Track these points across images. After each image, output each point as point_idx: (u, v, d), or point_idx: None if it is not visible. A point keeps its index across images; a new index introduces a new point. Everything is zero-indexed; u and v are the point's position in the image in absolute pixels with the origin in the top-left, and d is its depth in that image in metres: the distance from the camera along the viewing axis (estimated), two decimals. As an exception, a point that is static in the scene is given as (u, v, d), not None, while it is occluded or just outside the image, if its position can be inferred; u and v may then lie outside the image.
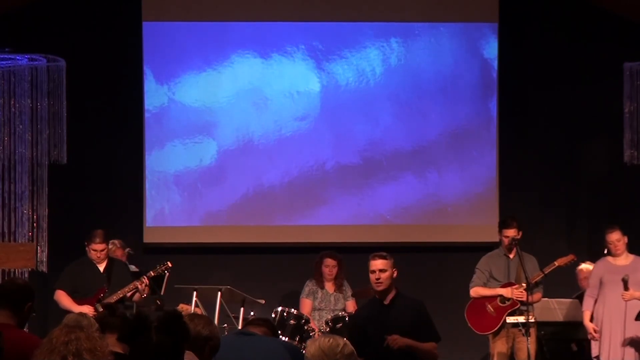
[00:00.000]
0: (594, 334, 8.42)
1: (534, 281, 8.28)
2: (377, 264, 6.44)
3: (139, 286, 8.12)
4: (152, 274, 8.27)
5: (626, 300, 8.30)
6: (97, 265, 8.32)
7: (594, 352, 8.49)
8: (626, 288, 8.27)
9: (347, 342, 3.91)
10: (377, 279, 6.41)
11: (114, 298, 8.07)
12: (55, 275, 9.66)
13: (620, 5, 10.69)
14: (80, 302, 8.16)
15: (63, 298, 8.26)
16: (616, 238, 8.47)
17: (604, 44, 10.70)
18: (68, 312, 7.75)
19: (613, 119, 10.19)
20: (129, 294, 8.17)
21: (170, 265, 8.37)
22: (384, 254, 6.50)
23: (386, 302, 6.47)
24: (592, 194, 10.88)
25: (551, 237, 10.60)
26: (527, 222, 9.48)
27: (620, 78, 9.81)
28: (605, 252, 8.61)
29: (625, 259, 8.49)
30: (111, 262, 8.41)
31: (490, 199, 10.71)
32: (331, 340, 3.83)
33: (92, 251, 8.29)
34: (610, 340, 8.37)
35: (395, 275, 6.47)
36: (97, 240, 8.26)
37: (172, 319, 3.62)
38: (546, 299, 9.04)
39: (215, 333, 4.25)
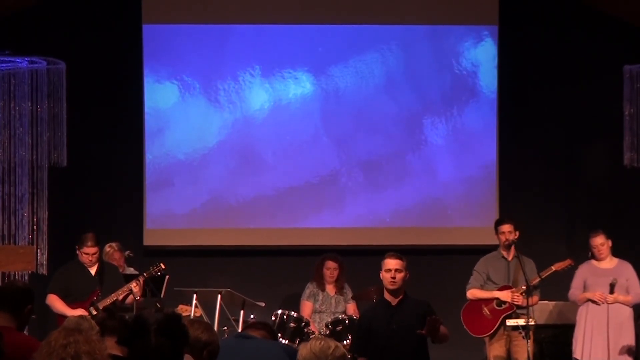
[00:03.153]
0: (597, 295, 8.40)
1: (531, 284, 8.27)
2: (393, 263, 6.46)
3: (133, 289, 8.11)
4: (146, 276, 8.26)
5: (609, 303, 8.32)
6: (89, 269, 8.31)
7: (576, 354, 8.49)
8: (612, 292, 8.30)
9: (339, 344, 3.92)
10: (393, 278, 6.43)
11: (107, 301, 8.06)
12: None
13: (620, 9, 10.70)
14: (73, 305, 8.14)
15: (56, 302, 8.25)
16: (600, 242, 8.50)
17: (603, 46, 10.70)
18: (62, 316, 7.79)
19: (613, 122, 10.18)
20: (121, 297, 8.15)
21: (163, 266, 8.35)
22: (400, 255, 6.53)
23: (394, 303, 6.48)
24: (592, 196, 10.88)
25: (551, 239, 10.60)
26: (527, 225, 9.47)
27: (620, 81, 9.82)
28: (589, 255, 8.64)
29: (609, 263, 8.54)
30: (102, 265, 8.39)
31: (490, 202, 10.71)
32: (322, 342, 3.84)
33: (83, 255, 8.27)
34: (592, 342, 8.38)
35: (407, 277, 6.49)
36: (89, 243, 8.25)
37: (172, 321, 3.62)
38: (545, 301, 9.05)
39: (214, 339, 4.25)
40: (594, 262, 8.58)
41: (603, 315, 8.35)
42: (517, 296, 8.24)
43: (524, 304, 8.19)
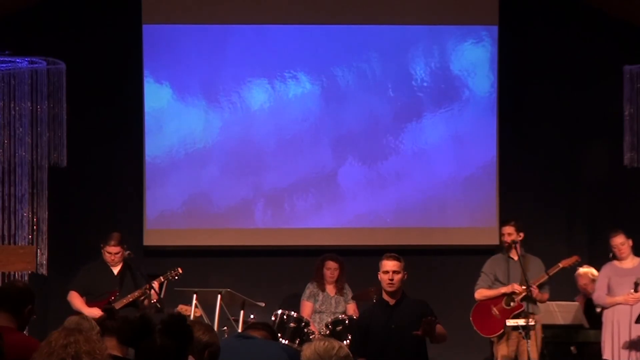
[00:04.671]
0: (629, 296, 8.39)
1: (537, 283, 8.29)
2: (391, 264, 6.46)
3: (148, 291, 8.14)
4: (162, 279, 8.30)
5: (631, 304, 8.32)
6: (112, 268, 8.34)
7: (606, 354, 8.49)
8: (636, 290, 8.30)
9: (343, 345, 3.92)
10: (390, 280, 6.43)
11: (123, 302, 8.10)
12: (55, 277, 9.69)
13: (620, 9, 10.70)
14: (91, 304, 8.18)
15: (75, 299, 8.31)
16: (620, 242, 8.50)
17: (603, 46, 10.71)
18: (77, 312, 7.86)
19: (613, 122, 10.19)
20: (141, 298, 8.16)
21: (180, 271, 8.39)
22: (397, 255, 6.53)
23: (392, 303, 6.48)
24: (592, 196, 10.88)
25: (551, 239, 10.59)
26: (527, 225, 9.45)
27: (620, 81, 9.82)
28: (611, 256, 8.62)
29: (631, 262, 8.53)
30: (126, 265, 8.41)
31: (489, 202, 10.70)
32: (326, 343, 3.84)
33: (106, 254, 8.37)
34: (619, 342, 8.39)
35: (405, 278, 6.50)
36: (112, 242, 8.32)
37: (176, 322, 3.62)
38: (547, 301, 9.04)
39: (215, 340, 4.27)
40: (615, 262, 8.58)
41: (626, 314, 8.36)
42: (523, 288, 8.26)
43: (536, 296, 8.20)
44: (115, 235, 8.39)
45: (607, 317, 8.50)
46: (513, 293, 8.36)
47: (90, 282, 8.35)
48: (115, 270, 8.37)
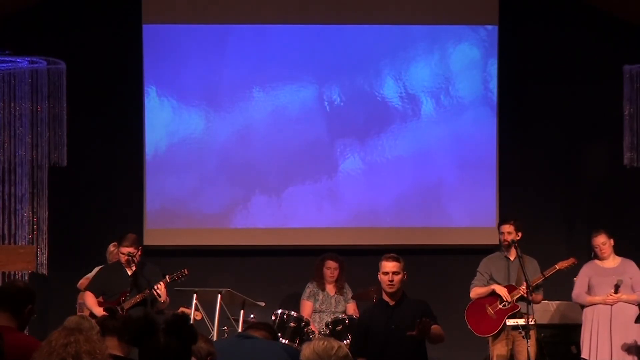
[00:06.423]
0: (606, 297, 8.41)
1: (534, 284, 8.28)
2: (391, 265, 6.45)
3: (159, 291, 8.14)
4: (168, 280, 8.31)
5: (610, 304, 8.33)
6: (126, 269, 8.36)
7: (584, 354, 8.50)
8: (617, 292, 8.30)
9: (342, 345, 3.92)
10: (390, 281, 6.43)
11: (131, 302, 8.12)
12: (55, 277, 9.70)
13: (620, 9, 10.70)
14: (104, 304, 8.21)
15: (88, 299, 8.35)
16: (601, 241, 8.50)
17: (604, 46, 10.71)
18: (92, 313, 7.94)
19: (613, 122, 10.19)
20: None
21: (186, 272, 8.39)
22: (397, 256, 6.52)
23: (392, 304, 6.48)
24: (592, 196, 10.89)
25: (551, 240, 10.60)
26: (527, 225, 9.46)
27: (620, 80, 9.82)
28: (592, 255, 8.64)
29: (612, 262, 8.53)
30: (141, 266, 8.42)
31: (490, 202, 10.71)
32: (326, 343, 3.84)
33: (120, 254, 8.37)
34: (598, 342, 8.39)
35: (405, 278, 6.50)
36: (125, 243, 8.36)
37: (180, 321, 3.63)
38: (546, 301, 9.04)
39: (213, 350, 4.38)
40: (597, 261, 8.58)
41: (607, 314, 8.36)
42: (509, 295, 8.28)
43: (532, 298, 8.22)
44: (129, 236, 8.42)
45: (587, 316, 8.50)
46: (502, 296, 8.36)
47: (104, 283, 8.40)
48: (130, 271, 8.39)
